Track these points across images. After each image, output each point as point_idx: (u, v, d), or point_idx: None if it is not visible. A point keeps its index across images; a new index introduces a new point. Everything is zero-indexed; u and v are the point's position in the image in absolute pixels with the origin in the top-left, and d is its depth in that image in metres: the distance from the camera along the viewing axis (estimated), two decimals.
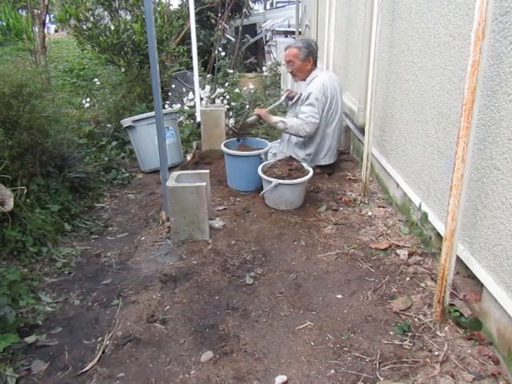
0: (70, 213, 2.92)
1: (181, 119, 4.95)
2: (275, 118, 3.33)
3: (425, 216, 2.35)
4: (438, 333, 1.80)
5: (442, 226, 2.00)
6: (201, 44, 6.08)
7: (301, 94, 3.43)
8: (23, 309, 2.01)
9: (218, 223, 2.76)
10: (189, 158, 4.09)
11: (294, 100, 3.53)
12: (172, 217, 2.56)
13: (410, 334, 1.80)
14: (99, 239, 2.80)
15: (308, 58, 3.38)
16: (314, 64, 3.44)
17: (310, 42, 3.45)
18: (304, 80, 3.47)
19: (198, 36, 4.25)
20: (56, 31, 10.57)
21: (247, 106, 4.95)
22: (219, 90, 5.21)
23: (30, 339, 1.85)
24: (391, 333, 1.81)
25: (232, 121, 4.75)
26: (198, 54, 4.67)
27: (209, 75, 5.94)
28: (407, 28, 2.60)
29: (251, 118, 3.43)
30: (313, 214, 2.89)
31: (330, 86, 3.34)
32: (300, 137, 3.38)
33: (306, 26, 6.88)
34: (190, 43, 4.79)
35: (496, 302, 1.66)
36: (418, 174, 2.48)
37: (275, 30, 9.53)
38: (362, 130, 3.32)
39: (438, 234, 2.20)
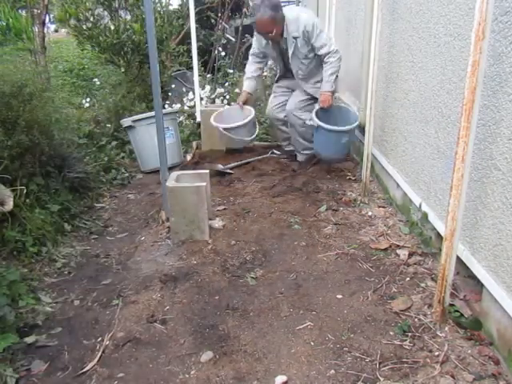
0: (69, 213, 2.91)
1: (181, 119, 4.95)
2: (329, 85, 3.32)
3: (425, 216, 2.35)
4: (438, 333, 1.80)
5: (442, 226, 2.00)
6: (201, 44, 6.06)
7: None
8: (23, 309, 2.01)
9: (217, 223, 2.76)
10: (189, 157, 4.09)
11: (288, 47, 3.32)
12: (172, 217, 2.56)
13: (410, 334, 1.79)
14: (99, 239, 2.79)
15: (281, 17, 3.19)
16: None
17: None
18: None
19: (197, 36, 4.24)
20: (56, 31, 10.53)
21: None
22: (219, 90, 5.20)
23: (29, 339, 1.84)
24: (391, 333, 1.81)
25: None
26: (198, 53, 4.67)
27: (209, 75, 5.94)
28: (407, 28, 2.60)
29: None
30: (313, 213, 2.89)
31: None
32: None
33: None
34: (189, 43, 4.79)
35: (496, 303, 1.66)
36: (418, 173, 2.48)
37: None
38: (362, 130, 3.32)
39: (438, 234, 2.20)
